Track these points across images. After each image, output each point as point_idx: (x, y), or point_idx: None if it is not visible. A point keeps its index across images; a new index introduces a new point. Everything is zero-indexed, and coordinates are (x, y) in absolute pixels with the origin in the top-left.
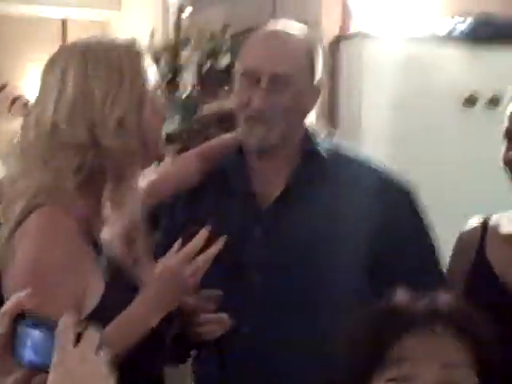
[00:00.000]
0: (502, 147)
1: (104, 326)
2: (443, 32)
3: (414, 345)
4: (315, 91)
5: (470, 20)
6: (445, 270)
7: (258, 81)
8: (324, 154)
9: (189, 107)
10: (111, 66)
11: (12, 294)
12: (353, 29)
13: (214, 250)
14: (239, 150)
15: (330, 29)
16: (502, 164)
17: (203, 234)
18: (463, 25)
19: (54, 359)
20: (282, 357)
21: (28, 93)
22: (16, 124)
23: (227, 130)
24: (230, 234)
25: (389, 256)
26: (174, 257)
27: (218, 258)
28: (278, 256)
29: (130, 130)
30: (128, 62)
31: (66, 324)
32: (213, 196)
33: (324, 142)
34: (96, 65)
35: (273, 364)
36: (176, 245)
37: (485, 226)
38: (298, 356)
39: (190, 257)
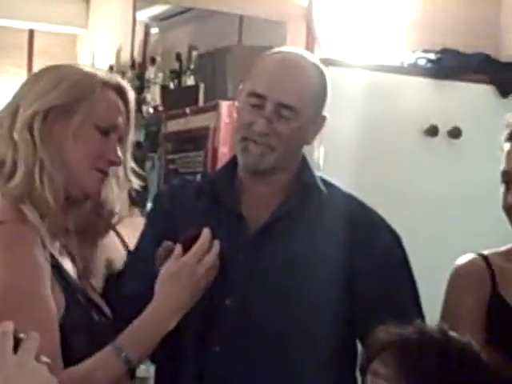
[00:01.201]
0: (501, 190)
1: (66, 339)
2: (407, 63)
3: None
4: (320, 121)
5: (433, 53)
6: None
7: (263, 106)
8: (323, 189)
9: (153, 124)
10: None
11: None
12: (317, 55)
13: (216, 250)
14: (234, 170)
15: None
16: (502, 208)
17: (207, 233)
18: (427, 57)
19: None
20: (249, 379)
21: None
22: None
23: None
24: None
25: (371, 301)
26: (179, 259)
27: None
28: (254, 283)
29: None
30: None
31: (4, 331)
32: (202, 212)
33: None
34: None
35: (238, 380)
36: (178, 247)
37: (488, 263)
38: (266, 373)
39: (201, 256)
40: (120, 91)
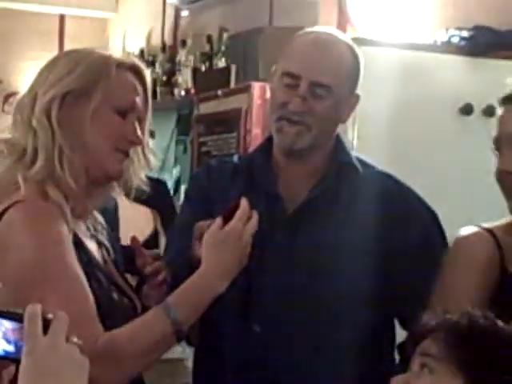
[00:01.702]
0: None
1: None
2: (440, 40)
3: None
4: (354, 99)
5: (466, 30)
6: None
7: (298, 85)
8: (359, 168)
9: (184, 107)
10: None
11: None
12: (350, 34)
13: (256, 217)
14: (269, 150)
15: None
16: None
17: (246, 202)
18: (460, 34)
19: (25, 348)
20: (287, 354)
21: (23, 89)
22: (9, 120)
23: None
24: (254, 233)
25: (409, 279)
26: (219, 228)
27: None
28: (292, 262)
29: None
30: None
31: (33, 313)
32: (238, 192)
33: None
34: None
35: (277, 361)
36: (218, 219)
37: (494, 236)
38: (305, 354)
39: (245, 222)
40: (135, 71)
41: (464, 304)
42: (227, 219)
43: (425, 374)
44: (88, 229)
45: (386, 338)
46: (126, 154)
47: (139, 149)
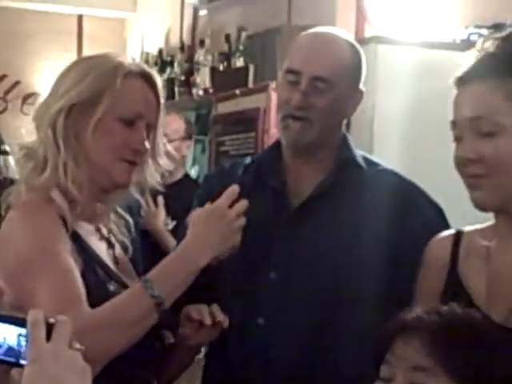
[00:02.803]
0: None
1: None
2: (460, 39)
3: (396, 349)
4: (357, 95)
5: (486, 28)
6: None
7: (299, 82)
8: (363, 165)
9: (203, 107)
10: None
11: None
12: (368, 33)
13: (243, 203)
14: (278, 150)
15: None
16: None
17: (234, 187)
18: (480, 32)
19: (29, 355)
20: (289, 347)
21: (42, 90)
22: (28, 122)
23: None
24: (258, 226)
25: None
26: (210, 206)
27: (239, 250)
28: (296, 257)
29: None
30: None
31: (36, 319)
32: (248, 187)
33: (357, 150)
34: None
35: (281, 353)
36: (207, 204)
37: (457, 238)
38: (307, 348)
39: (230, 202)
40: (145, 77)
41: (419, 303)
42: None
43: None
44: (98, 230)
45: None
46: (133, 163)
47: (152, 153)
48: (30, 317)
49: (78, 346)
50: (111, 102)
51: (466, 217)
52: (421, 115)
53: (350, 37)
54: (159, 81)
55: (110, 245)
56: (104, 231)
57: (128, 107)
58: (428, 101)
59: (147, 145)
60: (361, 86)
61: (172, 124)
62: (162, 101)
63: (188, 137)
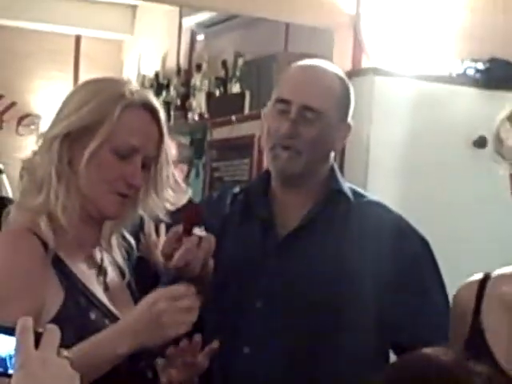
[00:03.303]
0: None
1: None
2: (456, 72)
3: None
4: (345, 128)
5: (482, 62)
6: None
7: (289, 111)
8: (350, 196)
9: (198, 131)
10: None
11: None
12: (365, 64)
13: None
14: (267, 180)
15: (341, 63)
16: None
17: (188, 288)
18: (476, 66)
19: (16, 362)
20: (275, 376)
21: (38, 110)
22: (23, 142)
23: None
24: (246, 257)
25: (399, 307)
26: (169, 291)
27: (226, 282)
28: (282, 287)
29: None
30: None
31: (25, 327)
32: (236, 218)
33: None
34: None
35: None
36: (174, 229)
37: (483, 284)
38: (293, 374)
39: (176, 299)
40: (148, 109)
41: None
42: (188, 229)
43: None
44: (91, 256)
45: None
46: (125, 196)
47: (154, 186)
48: (19, 324)
49: (65, 353)
50: (108, 133)
51: (453, 248)
52: (416, 146)
53: (339, 70)
54: (163, 114)
55: (101, 271)
56: (97, 257)
57: (123, 140)
58: (423, 132)
59: (139, 180)
60: (349, 119)
61: None
62: (165, 132)
63: (182, 161)
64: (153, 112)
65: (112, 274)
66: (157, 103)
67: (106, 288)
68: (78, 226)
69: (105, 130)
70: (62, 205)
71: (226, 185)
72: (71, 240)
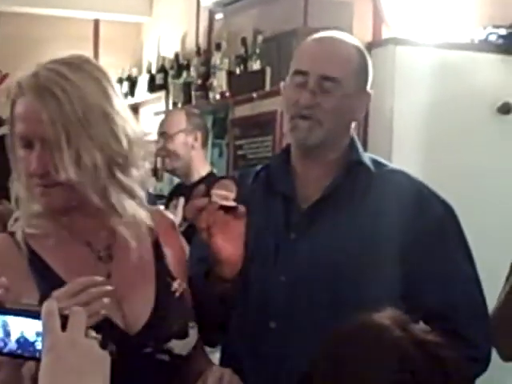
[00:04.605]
0: None
1: None
2: (478, 39)
3: None
4: (365, 97)
5: (504, 28)
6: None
7: (307, 82)
8: (371, 167)
9: (220, 110)
10: None
11: None
12: (385, 34)
13: None
14: (288, 155)
15: (362, 35)
16: None
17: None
18: (498, 32)
19: (45, 345)
20: (301, 350)
21: None
22: None
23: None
24: (270, 233)
25: (421, 277)
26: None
27: (251, 257)
28: (305, 260)
29: None
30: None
31: (51, 309)
32: (259, 195)
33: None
34: None
35: (292, 357)
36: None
37: None
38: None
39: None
40: (31, 93)
41: None
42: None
43: None
44: (89, 244)
45: None
46: (46, 186)
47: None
48: (45, 307)
49: (93, 334)
50: (11, 126)
51: (480, 217)
52: (439, 116)
53: (355, 40)
54: (32, 95)
55: (101, 259)
56: (101, 243)
57: (18, 129)
58: (447, 101)
59: (34, 166)
60: (368, 88)
61: (171, 118)
62: (48, 115)
63: (194, 128)
64: (36, 94)
65: (135, 255)
66: (27, 85)
67: (109, 275)
68: (55, 217)
69: (10, 122)
70: (16, 201)
71: (249, 163)
72: (64, 228)
